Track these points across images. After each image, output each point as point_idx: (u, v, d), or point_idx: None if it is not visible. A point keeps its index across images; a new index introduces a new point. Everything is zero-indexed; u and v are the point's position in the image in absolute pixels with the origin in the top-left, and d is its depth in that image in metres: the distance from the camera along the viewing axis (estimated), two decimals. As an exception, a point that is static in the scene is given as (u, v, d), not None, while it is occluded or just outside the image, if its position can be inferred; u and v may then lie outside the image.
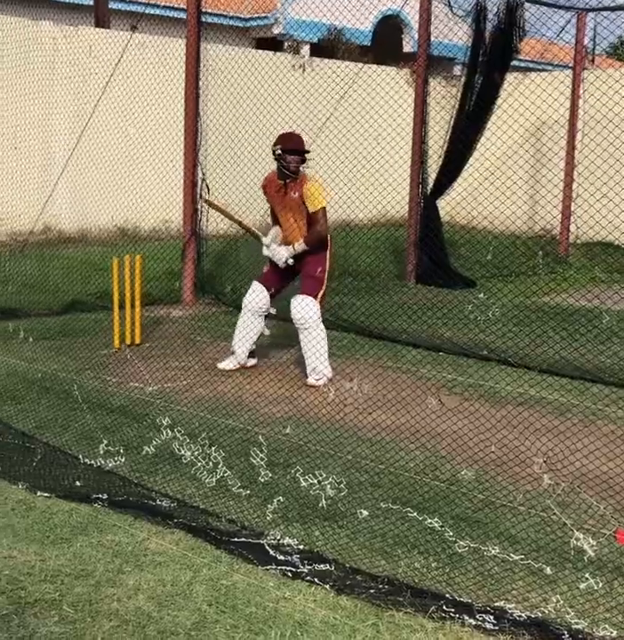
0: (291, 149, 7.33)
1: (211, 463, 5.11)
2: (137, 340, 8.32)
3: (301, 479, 4.92)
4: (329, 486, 4.83)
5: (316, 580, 3.88)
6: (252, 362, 7.77)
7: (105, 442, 5.39)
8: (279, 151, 7.33)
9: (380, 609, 3.67)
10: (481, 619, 3.60)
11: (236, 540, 4.23)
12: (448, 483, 5.08)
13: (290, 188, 7.40)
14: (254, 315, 7.57)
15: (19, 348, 7.90)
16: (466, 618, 3.61)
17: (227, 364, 7.67)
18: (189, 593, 3.76)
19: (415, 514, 4.55)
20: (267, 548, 4.14)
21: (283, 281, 7.71)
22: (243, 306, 7.65)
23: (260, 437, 5.60)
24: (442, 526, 4.41)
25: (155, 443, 5.40)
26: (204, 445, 5.36)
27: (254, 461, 5.16)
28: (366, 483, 5.02)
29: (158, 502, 4.62)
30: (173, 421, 5.79)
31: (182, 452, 5.29)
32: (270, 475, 5.03)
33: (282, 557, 4.06)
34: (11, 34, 13.21)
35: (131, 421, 5.97)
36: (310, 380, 7.26)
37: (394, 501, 4.73)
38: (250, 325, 7.57)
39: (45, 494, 4.70)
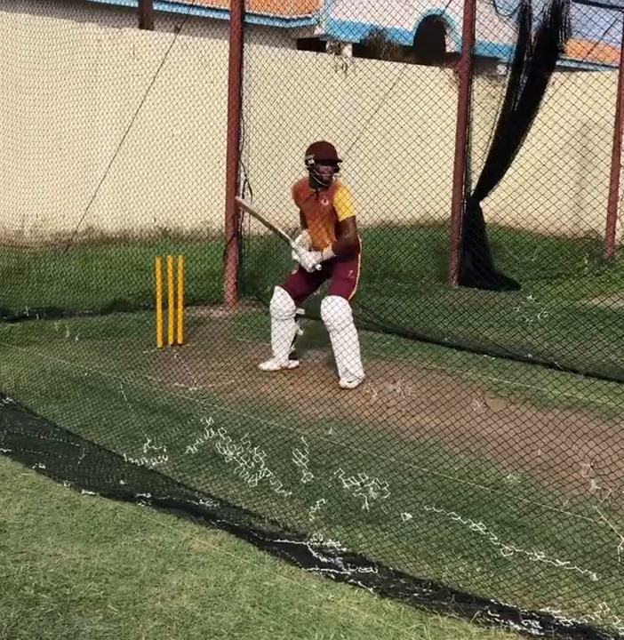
0: (323, 159, 7.34)
1: (253, 464, 5.11)
2: (179, 340, 8.35)
3: (344, 481, 4.90)
4: (372, 489, 4.80)
5: (359, 582, 3.86)
6: (294, 363, 7.77)
7: (149, 441, 5.41)
8: (312, 161, 7.34)
9: (423, 613, 3.64)
10: (526, 624, 3.56)
11: (278, 541, 4.22)
12: (493, 487, 5.03)
13: (321, 196, 7.44)
14: (280, 320, 7.62)
15: (63, 347, 7.96)
16: (511, 623, 3.57)
17: (269, 365, 7.68)
18: (232, 594, 3.75)
19: (459, 518, 4.51)
20: (309, 549, 4.13)
21: (309, 284, 7.74)
22: (270, 313, 7.71)
23: (302, 439, 5.59)
24: (486, 531, 4.37)
25: (198, 442, 5.42)
26: (246, 446, 5.36)
27: (296, 462, 5.15)
28: (410, 486, 4.99)
29: (201, 502, 4.62)
30: (216, 421, 5.80)
31: (225, 452, 5.30)
32: (313, 476, 5.01)
33: (325, 559, 4.04)
34: (56, 36, 13.32)
35: (174, 421, 5.99)
36: (343, 382, 7.25)
37: (438, 505, 4.69)
38: (280, 331, 7.63)
39: (90, 493, 4.73)
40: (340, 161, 7.47)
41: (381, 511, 4.62)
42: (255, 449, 5.27)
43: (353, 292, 7.44)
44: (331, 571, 3.95)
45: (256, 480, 4.94)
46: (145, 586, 3.79)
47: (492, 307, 9.77)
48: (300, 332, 7.71)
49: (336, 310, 7.25)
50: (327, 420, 6.15)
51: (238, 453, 5.25)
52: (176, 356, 7.76)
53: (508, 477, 5.16)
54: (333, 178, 7.43)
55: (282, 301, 7.61)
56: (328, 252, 7.42)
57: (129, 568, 3.94)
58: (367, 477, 4.90)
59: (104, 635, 3.41)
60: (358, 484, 4.86)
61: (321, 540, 4.23)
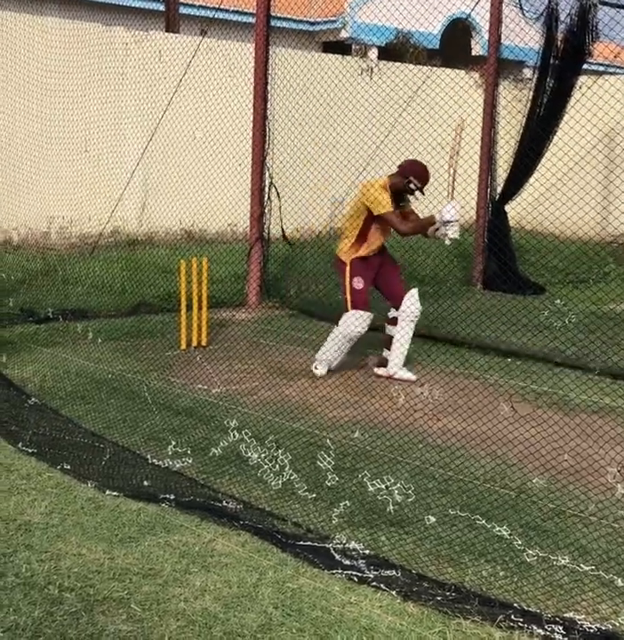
0: (422, 186, 7.55)
1: (277, 466, 5.11)
2: (203, 343, 8.37)
3: (368, 484, 4.89)
4: (396, 492, 4.79)
5: (382, 585, 3.85)
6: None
7: (173, 443, 5.42)
8: (414, 184, 7.49)
9: (446, 617, 3.62)
10: (550, 629, 3.53)
11: (301, 543, 4.21)
12: (518, 491, 5.00)
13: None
14: (351, 341, 7.48)
15: (87, 348, 8.00)
16: (534, 628, 3.54)
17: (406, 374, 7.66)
18: (255, 595, 3.75)
19: (483, 522, 4.49)
20: (332, 552, 4.12)
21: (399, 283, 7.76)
22: (345, 333, 7.40)
23: (327, 441, 5.59)
24: (510, 535, 4.35)
25: (221, 445, 5.42)
26: (270, 448, 5.36)
27: (321, 465, 5.15)
28: (434, 489, 4.97)
29: (225, 504, 4.63)
30: (240, 424, 5.81)
31: (249, 454, 5.30)
32: (337, 479, 5.01)
33: (348, 562, 4.03)
34: (84, 39, 13.42)
35: (197, 423, 6.00)
36: (382, 371, 7.49)
37: (462, 508, 4.67)
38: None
39: (114, 493, 4.74)
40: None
41: (405, 514, 4.60)
42: (279, 451, 5.27)
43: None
44: (354, 573, 3.94)
45: (280, 482, 4.94)
46: (168, 586, 3.80)
47: (519, 311, 9.71)
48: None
49: (415, 304, 7.52)
50: (352, 422, 6.14)
51: (262, 456, 5.25)
52: (199, 359, 7.78)
53: (534, 481, 5.13)
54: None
55: (363, 326, 7.42)
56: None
57: (152, 568, 3.95)
58: (392, 480, 4.89)
59: (127, 634, 3.41)
60: (383, 487, 4.85)
61: (344, 542, 4.22)
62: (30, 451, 5.32)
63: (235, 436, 5.50)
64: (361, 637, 3.46)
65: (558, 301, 10.33)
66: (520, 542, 4.28)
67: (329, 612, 3.64)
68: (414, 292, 7.58)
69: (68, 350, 7.90)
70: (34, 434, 5.59)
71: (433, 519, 4.52)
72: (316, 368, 7.48)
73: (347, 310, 7.38)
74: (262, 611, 3.63)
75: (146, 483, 4.88)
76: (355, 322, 7.30)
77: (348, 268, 7.41)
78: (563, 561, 4.11)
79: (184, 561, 4.03)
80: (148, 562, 4.01)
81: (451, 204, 7.27)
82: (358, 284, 7.40)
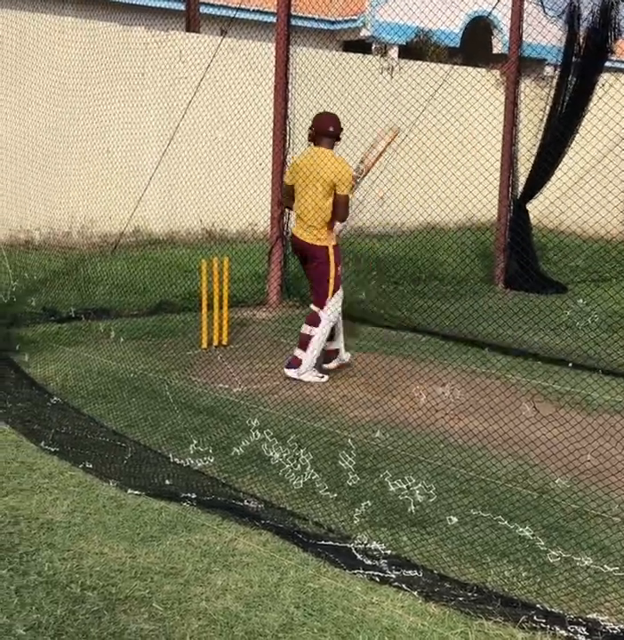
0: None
1: (298, 465, 5.10)
2: (224, 341, 8.38)
3: (390, 484, 4.88)
4: (418, 492, 4.78)
5: (403, 585, 3.84)
6: (347, 356, 7.71)
7: (194, 442, 5.43)
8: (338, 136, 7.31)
9: (468, 617, 3.61)
10: (573, 630, 3.51)
11: (323, 543, 4.21)
12: (540, 491, 4.97)
13: None
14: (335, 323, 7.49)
15: (109, 347, 8.02)
16: (557, 629, 3.52)
17: (332, 365, 7.63)
18: (277, 594, 3.75)
19: (506, 522, 4.47)
20: (354, 552, 4.12)
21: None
22: (327, 317, 7.36)
23: (348, 441, 5.58)
24: (533, 535, 4.32)
25: (243, 444, 5.43)
26: (292, 448, 5.36)
27: (342, 465, 5.14)
28: (455, 489, 4.95)
29: (246, 503, 4.63)
30: (261, 423, 5.81)
31: (270, 453, 5.30)
32: (358, 479, 5.00)
33: (369, 562, 4.02)
34: (103, 39, 13.46)
35: (218, 422, 6.00)
36: (292, 372, 7.32)
37: (484, 509, 4.65)
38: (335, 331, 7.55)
39: (136, 492, 4.75)
40: (341, 130, 7.36)
41: (427, 514, 4.59)
42: (301, 451, 5.27)
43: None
44: (375, 573, 3.93)
45: (301, 482, 4.93)
46: (190, 585, 3.80)
47: (541, 310, 9.66)
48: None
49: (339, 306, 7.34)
50: (373, 422, 6.12)
51: (284, 455, 5.25)
52: (220, 358, 7.79)
53: (557, 482, 5.10)
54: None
55: (341, 306, 7.47)
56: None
57: (174, 567, 3.96)
58: (413, 480, 4.88)
59: (149, 633, 3.42)
60: (404, 487, 4.83)
61: (365, 542, 4.21)
62: (53, 450, 5.34)
63: (256, 436, 5.50)
64: (382, 637, 3.46)
65: (581, 301, 10.26)
66: (542, 543, 4.26)
67: (350, 611, 3.63)
68: (340, 293, 7.34)
69: (90, 349, 7.93)
70: (56, 433, 5.62)
71: (455, 519, 4.51)
72: (308, 376, 7.29)
73: (325, 298, 7.24)
74: (284, 610, 3.63)
75: (167, 482, 4.89)
76: (336, 304, 7.26)
77: (332, 256, 7.27)
78: (586, 562, 4.09)
79: (205, 560, 4.04)
80: (170, 561, 4.02)
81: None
82: (339, 270, 7.35)
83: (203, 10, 18.28)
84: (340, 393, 6.81)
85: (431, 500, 4.71)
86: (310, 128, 7.41)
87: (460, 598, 3.74)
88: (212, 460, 5.21)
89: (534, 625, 3.56)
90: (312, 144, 7.39)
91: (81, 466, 5.10)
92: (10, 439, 5.58)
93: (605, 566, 4.05)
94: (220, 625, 3.50)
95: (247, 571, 3.95)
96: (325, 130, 7.32)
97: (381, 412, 6.32)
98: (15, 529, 4.30)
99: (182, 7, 18.20)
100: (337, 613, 3.62)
